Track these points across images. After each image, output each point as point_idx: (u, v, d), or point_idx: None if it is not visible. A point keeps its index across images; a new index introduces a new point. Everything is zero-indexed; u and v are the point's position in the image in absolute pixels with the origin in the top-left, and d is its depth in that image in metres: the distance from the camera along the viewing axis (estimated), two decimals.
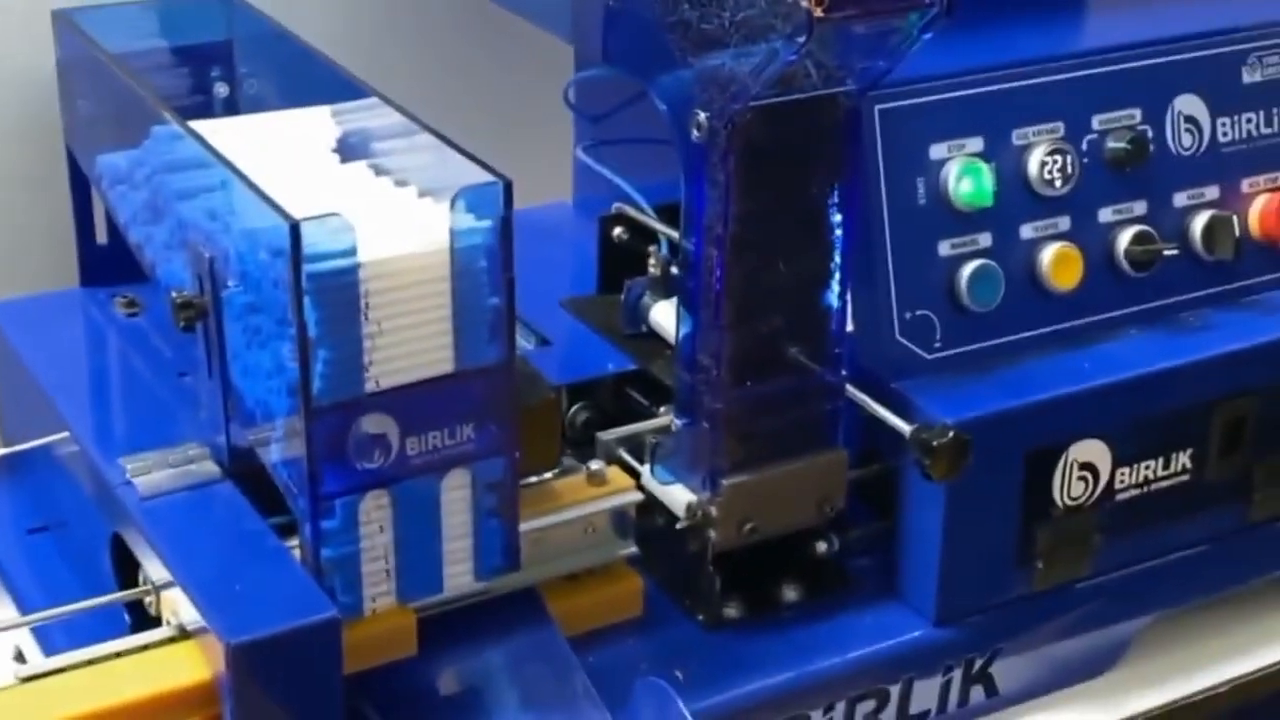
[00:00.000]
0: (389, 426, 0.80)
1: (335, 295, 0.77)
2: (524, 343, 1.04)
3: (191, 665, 0.81)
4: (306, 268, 0.76)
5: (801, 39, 0.79)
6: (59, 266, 1.09)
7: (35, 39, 1.06)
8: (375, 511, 0.82)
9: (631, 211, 1.06)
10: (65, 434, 0.96)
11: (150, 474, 0.88)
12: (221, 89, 1.06)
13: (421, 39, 1.23)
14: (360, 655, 0.83)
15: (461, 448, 0.83)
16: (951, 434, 0.90)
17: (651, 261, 1.03)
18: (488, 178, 0.79)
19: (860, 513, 0.99)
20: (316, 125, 0.93)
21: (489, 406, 0.83)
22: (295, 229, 0.75)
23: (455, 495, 0.84)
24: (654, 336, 1.03)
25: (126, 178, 0.96)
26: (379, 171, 0.89)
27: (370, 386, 0.79)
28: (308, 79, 0.98)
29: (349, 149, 0.91)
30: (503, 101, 1.24)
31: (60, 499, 1.02)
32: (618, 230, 1.07)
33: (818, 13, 0.78)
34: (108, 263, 1.08)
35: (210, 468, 0.89)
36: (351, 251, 0.77)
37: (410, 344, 0.80)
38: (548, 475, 0.93)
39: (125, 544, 0.89)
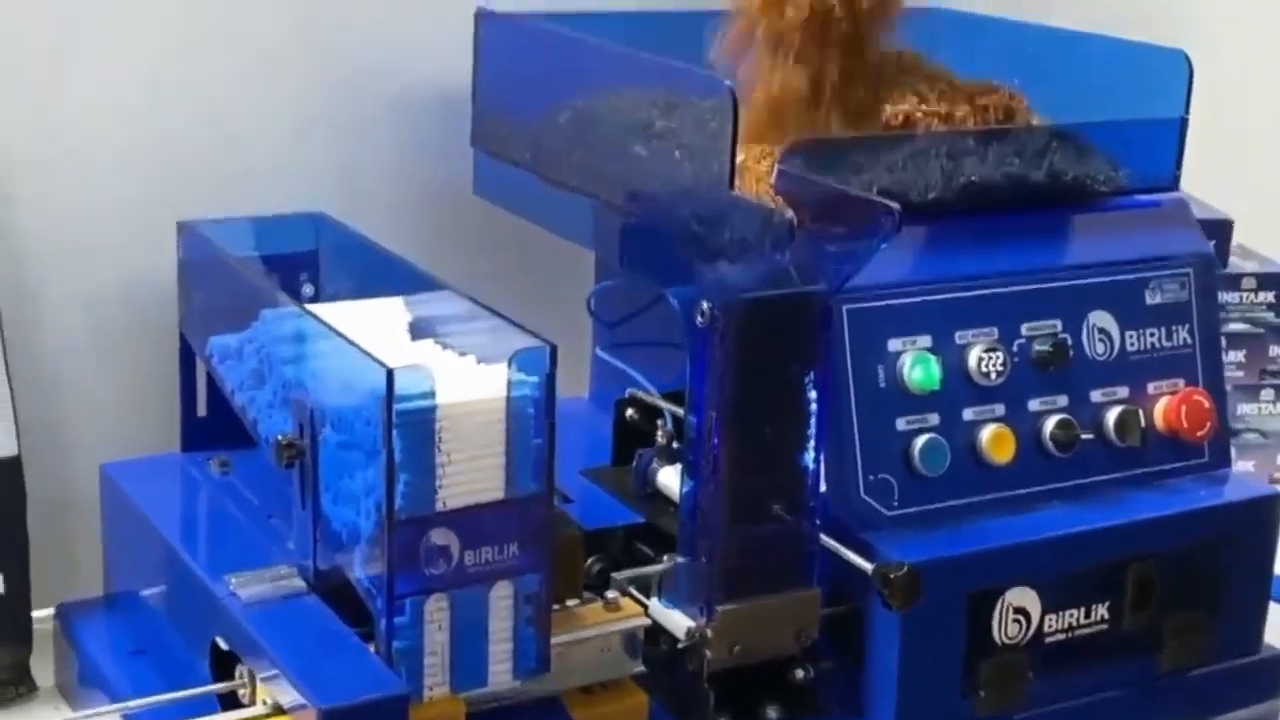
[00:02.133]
0: (452, 540, 1.00)
1: (417, 430, 0.98)
2: None
3: None
4: (396, 406, 0.97)
5: (785, 246, 1.01)
6: (162, 435, 1.30)
7: (156, 245, 1.29)
8: (437, 613, 1.01)
9: (642, 395, 1.28)
10: (172, 573, 1.15)
11: (250, 587, 1.08)
12: (308, 288, 1.29)
13: (456, 248, 1.45)
14: None
15: (507, 563, 1.02)
16: (906, 568, 1.10)
17: (659, 434, 1.24)
18: (537, 343, 1.01)
19: (833, 649, 1.18)
20: (390, 311, 1.15)
21: (531, 530, 1.03)
22: (390, 375, 0.96)
23: (500, 604, 1.03)
24: (660, 497, 1.23)
25: (236, 354, 1.18)
26: (444, 347, 1.10)
27: (439, 506, 1.00)
28: (383, 277, 1.20)
29: (418, 330, 1.13)
30: (525, 306, 1.47)
31: (159, 626, 1.20)
32: (630, 411, 1.28)
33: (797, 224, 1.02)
34: (206, 432, 1.29)
35: (299, 583, 1.08)
36: (431, 394, 0.98)
37: (471, 473, 1.00)
38: (571, 603, 1.13)
39: (225, 647, 1.08)
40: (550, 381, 1.01)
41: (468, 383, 1.01)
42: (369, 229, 1.27)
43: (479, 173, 1.36)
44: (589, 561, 1.20)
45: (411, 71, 1.42)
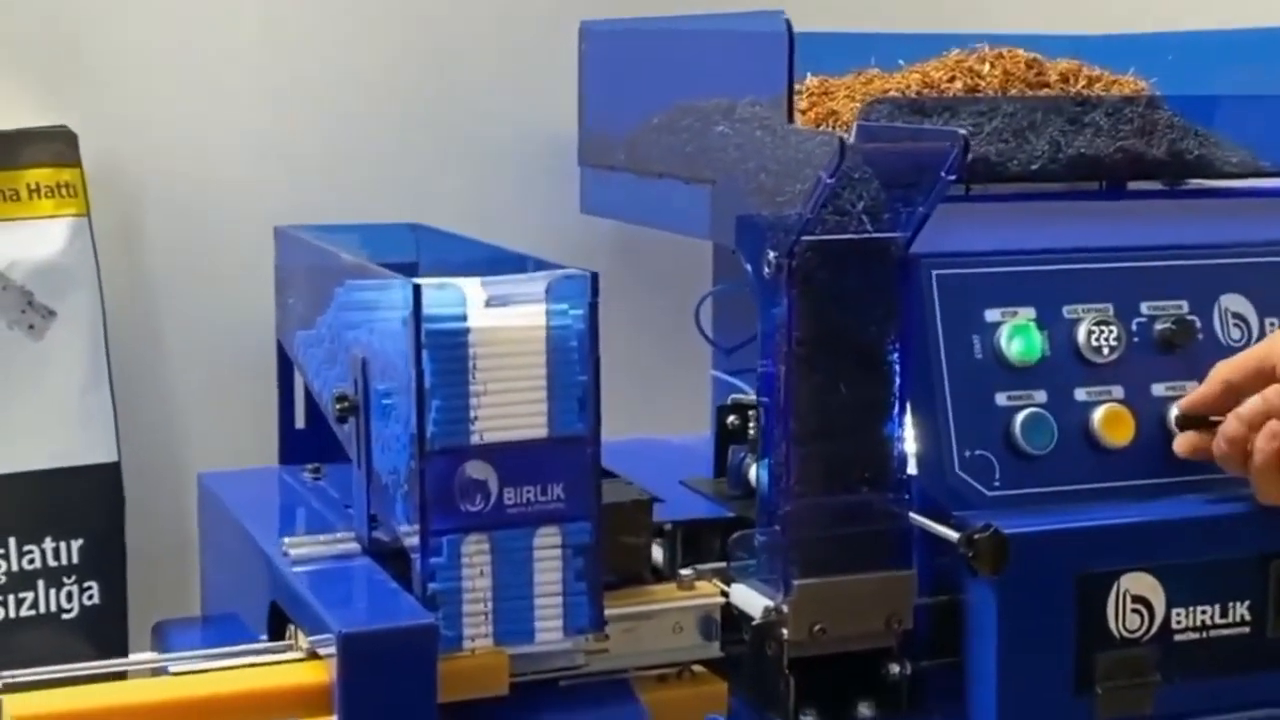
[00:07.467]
0: (489, 474, 0.96)
1: (448, 351, 0.95)
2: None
3: (314, 672, 0.95)
4: (425, 326, 0.94)
5: (836, 163, 0.96)
6: (261, 450, 1.30)
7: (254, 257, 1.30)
8: (477, 556, 0.96)
9: (741, 398, 1.22)
10: (245, 555, 1.13)
11: (303, 548, 1.04)
12: None
13: None
14: (458, 686, 0.96)
15: (552, 506, 0.97)
16: (992, 529, 1.01)
17: (751, 427, 1.17)
18: (578, 271, 0.97)
19: (934, 648, 1.09)
20: (466, 287, 1.12)
21: (577, 472, 0.98)
22: (417, 290, 0.94)
23: (547, 552, 0.98)
24: (754, 494, 1.16)
25: (316, 341, 1.17)
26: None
27: (475, 439, 0.96)
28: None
29: (494, 301, 1.10)
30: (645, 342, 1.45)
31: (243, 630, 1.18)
32: (731, 418, 1.22)
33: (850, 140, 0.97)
34: (304, 444, 1.28)
35: (353, 546, 1.05)
36: (463, 317, 0.95)
37: (510, 407, 0.96)
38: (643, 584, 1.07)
39: (279, 611, 1.05)
40: (593, 313, 0.97)
41: (510, 314, 0.98)
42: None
43: (586, 191, 1.34)
44: (684, 572, 1.14)
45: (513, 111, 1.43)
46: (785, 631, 1.04)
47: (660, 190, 1.21)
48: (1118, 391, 1.12)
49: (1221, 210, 1.20)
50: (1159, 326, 1.13)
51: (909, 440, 1.07)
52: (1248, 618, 1.10)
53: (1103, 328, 1.11)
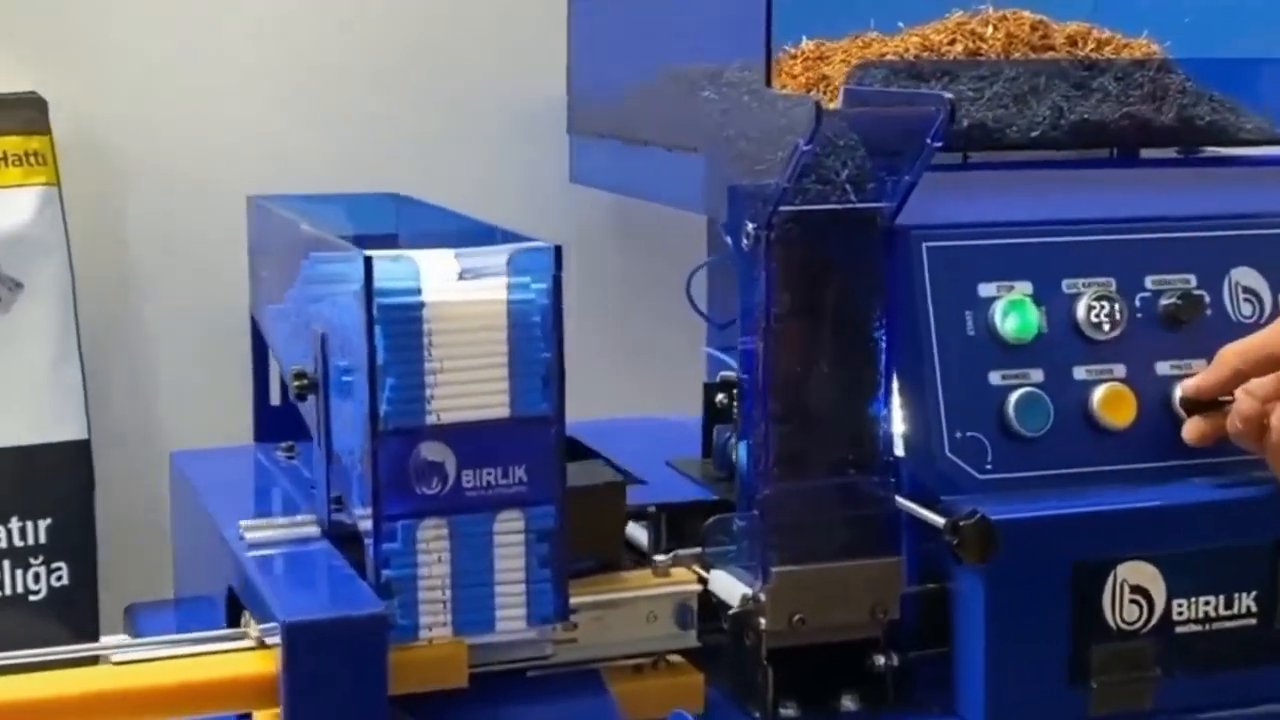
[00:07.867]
0: (447, 456, 0.91)
1: (401, 327, 0.90)
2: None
3: (262, 661, 0.91)
4: (376, 300, 0.90)
5: (812, 129, 0.91)
6: (238, 427, 1.26)
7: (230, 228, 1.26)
8: (434, 541, 0.92)
9: (730, 375, 1.17)
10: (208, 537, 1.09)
11: (259, 531, 1.01)
12: None
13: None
14: (413, 678, 0.92)
15: (514, 489, 0.93)
16: (978, 516, 0.96)
17: (736, 406, 1.13)
18: (541, 243, 0.93)
19: (923, 639, 1.04)
20: (439, 259, 1.08)
21: (540, 454, 0.93)
22: (368, 263, 0.89)
23: (509, 538, 0.93)
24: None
25: (284, 316, 1.13)
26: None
27: (431, 419, 0.91)
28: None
29: (466, 275, 1.05)
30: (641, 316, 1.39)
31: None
32: (720, 396, 1.18)
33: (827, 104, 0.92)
34: (279, 422, 1.23)
35: (312, 530, 1.01)
36: (416, 290, 0.90)
37: (469, 385, 0.92)
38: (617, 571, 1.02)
39: (236, 598, 1.01)
40: (556, 286, 0.93)
41: (468, 287, 0.93)
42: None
43: (575, 159, 1.30)
44: (659, 558, 1.09)
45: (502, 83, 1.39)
46: (763, 621, 0.99)
47: (647, 158, 1.16)
48: (1119, 370, 1.06)
49: (1234, 179, 1.14)
50: (1164, 301, 1.07)
51: (896, 421, 1.02)
52: (1254, 609, 1.04)
53: (1103, 303, 1.05)
